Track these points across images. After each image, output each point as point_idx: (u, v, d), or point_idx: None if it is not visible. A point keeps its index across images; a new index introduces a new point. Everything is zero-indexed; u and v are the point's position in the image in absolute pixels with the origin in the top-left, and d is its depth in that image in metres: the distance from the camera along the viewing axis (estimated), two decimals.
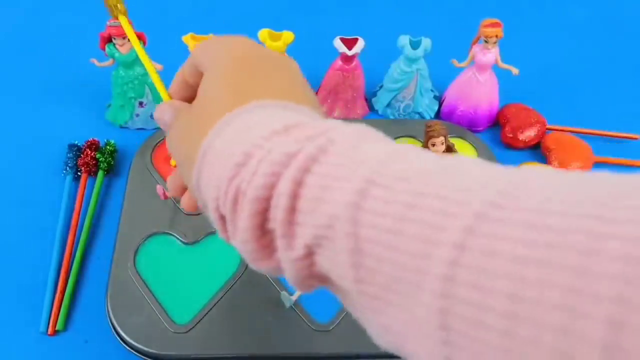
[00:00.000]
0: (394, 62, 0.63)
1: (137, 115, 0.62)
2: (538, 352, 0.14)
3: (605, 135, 0.64)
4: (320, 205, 0.20)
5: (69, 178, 0.57)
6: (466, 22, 0.66)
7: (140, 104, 0.61)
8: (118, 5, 0.36)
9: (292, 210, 0.21)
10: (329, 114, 0.65)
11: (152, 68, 0.34)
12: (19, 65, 0.70)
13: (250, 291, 0.48)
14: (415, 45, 0.60)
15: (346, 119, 0.65)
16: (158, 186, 0.53)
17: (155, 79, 0.33)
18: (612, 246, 0.13)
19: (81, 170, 0.57)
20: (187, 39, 0.58)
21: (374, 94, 0.67)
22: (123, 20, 0.37)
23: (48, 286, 0.49)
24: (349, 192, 0.19)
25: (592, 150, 0.62)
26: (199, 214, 0.53)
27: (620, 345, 0.12)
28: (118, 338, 0.45)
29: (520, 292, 0.14)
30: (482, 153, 0.60)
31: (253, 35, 0.54)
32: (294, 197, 0.20)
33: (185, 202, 0.33)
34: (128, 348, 0.44)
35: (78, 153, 0.58)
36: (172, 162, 0.44)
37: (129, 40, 0.57)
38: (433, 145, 0.56)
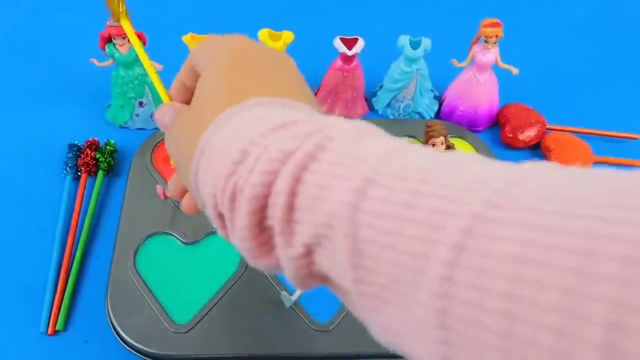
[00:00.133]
0: (394, 62, 0.63)
1: (137, 115, 0.62)
2: (536, 352, 0.14)
3: (605, 135, 0.64)
4: (319, 204, 0.20)
5: (69, 178, 0.57)
6: (466, 22, 0.66)
7: (140, 104, 0.62)
8: (120, 8, 0.36)
9: (290, 208, 0.20)
10: (329, 114, 0.65)
11: (152, 70, 0.34)
12: (19, 65, 0.70)
13: (250, 291, 0.48)
14: (415, 45, 0.60)
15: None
16: (158, 186, 0.53)
17: (155, 80, 0.33)
18: (612, 247, 0.13)
19: (81, 170, 0.57)
20: (187, 39, 0.58)
21: (374, 94, 0.67)
22: (125, 23, 0.37)
23: (48, 286, 0.49)
24: (347, 191, 0.19)
25: (592, 150, 0.62)
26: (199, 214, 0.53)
27: (618, 347, 0.12)
28: (118, 338, 0.45)
29: (518, 292, 0.14)
30: (482, 153, 0.59)
31: (253, 35, 0.54)
32: (292, 195, 0.20)
33: (186, 205, 0.33)
34: (128, 348, 0.44)
35: (78, 153, 0.58)
36: (173, 163, 0.44)
37: (129, 40, 0.57)
38: (433, 145, 0.56)
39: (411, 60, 0.61)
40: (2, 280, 0.50)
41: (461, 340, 0.16)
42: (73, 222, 0.53)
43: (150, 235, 0.51)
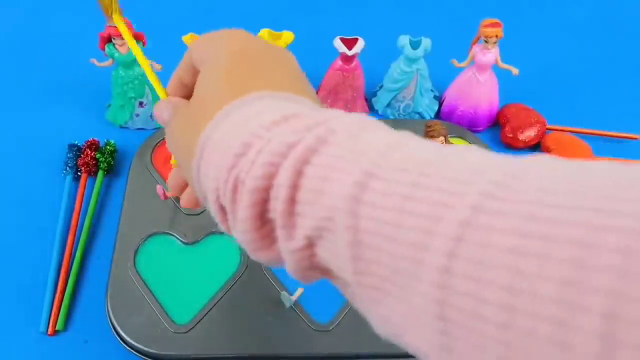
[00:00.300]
0: (394, 62, 0.63)
1: (137, 115, 0.62)
2: (535, 343, 0.14)
3: (605, 135, 0.65)
4: (320, 197, 0.20)
5: (69, 178, 0.57)
6: (466, 22, 0.66)
7: (140, 104, 0.61)
8: (112, 4, 0.36)
9: (291, 201, 0.21)
10: None
11: (147, 66, 0.34)
12: (19, 65, 0.70)
13: (250, 291, 0.48)
14: (415, 45, 0.60)
15: None
16: (158, 186, 0.53)
17: (151, 77, 0.33)
18: (611, 239, 0.13)
19: (81, 170, 0.57)
20: (187, 39, 0.58)
21: (374, 94, 0.67)
22: (117, 20, 0.37)
23: (48, 286, 0.49)
24: (348, 184, 0.19)
25: (592, 150, 0.62)
26: (199, 214, 0.53)
27: (616, 338, 0.12)
28: (118, 338, 0.45)
29: (516, 284, 0.14)
30: None
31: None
32: (294, 188, 0.20)
33: (185, 199, 0.33)
34: (128, 348, 0.44)
35: (78, 153, 0.58)
36: (173, 162, 0.44)
37: None
38: None
39: (411, 60, 0.61)
40: (2, 280, 0.50)
41: (460, 331, 0.16)
42: (73, 222, 0.53)
43: (150, 235, 0.51)
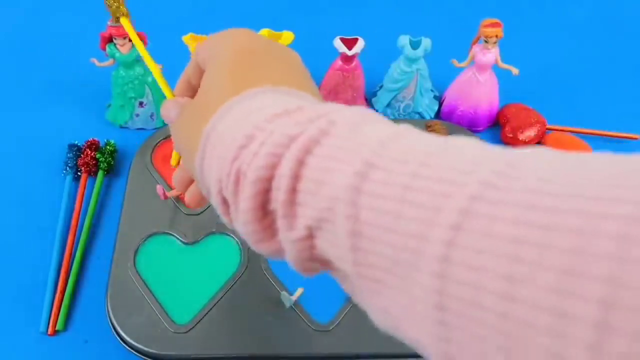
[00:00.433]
0: (394, 62, 0.63)
1: (137, 115, 0.62)
2: (534, 332, 0.14)
3: (605, 135, 0.65)
4: (322, 188, 0.20)
5: (69, 178, 0.57)
6: (466, 22, 0.66)
7: (141, 104, 0.61)
8: (120, 7, 0.36)
9: (293, 190, 0.21)
10: None
11: (155, 68, 0.35)
12: (19, 65, 0.70)
13: (250, 291, 0.48)
14: (415, 45, 0.60)
15: None
16: (158, 186, 0.53)
17: (158, 77, 0.33)
18: (609, 226, 0.13)
19: (81, 170, 0.57)
20: (187, 39, 0.58)
21: (374, 94, 0.67)
22: (125, 22, 0.37)
23: (48, 286, 0.49)
24: (349, 174, 0.19)
25: (592, 150, 0.62)
26: (199, 214, 0.53)
27: (612, 326, 0.12)
28: (118, 338, 0.45)
29: (515, 273, 0.14)
30: None
31: None
32: (296, 178, 0.21)
33: (190, 195, 0.33)
34: (128, 348, 0.44)
35: (78, 153, 0.58)
36: (172, 162, 0.44)
37: (129, 40, 0.57)
38: None
39: (411, 60, 0.61)
40: (2, 280, 0.50)
41: (459, 321, 0.16)
42: (73, 222, 0.53)
43: (150, 235, 0.51)
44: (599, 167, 0.15)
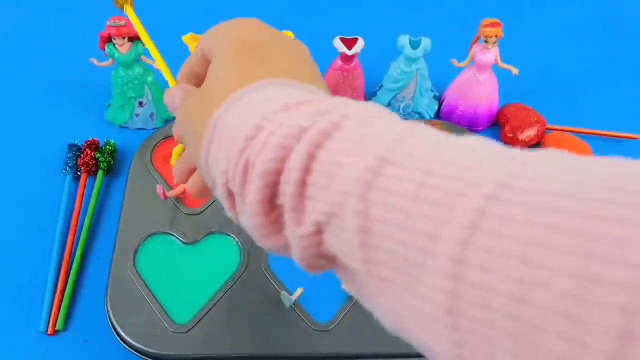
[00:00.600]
0: (394, 62, 0.63)
1: (137, 115, 0.62)
2: (548, 338, 0.13)
3: (605, 135, 0.64)
4: (333, 181, 0.19)
5: (69, 178, 0.57)
6: (466, 22, 0.66)
7: (140, 104, 0.61)
8: None
9: (303, 184, 0.20)
10: None
11: (158, 55, 0.34)
12: (19, 65, 0.70)
13: (250, 291, 0.48)
14: (415, 45, 0.60)
15: None
16: (158, 186, 0.53)
17: (161, 65, 0.33)
18: (626, 232, 0.13)
19: (81, 170, 0.57)
20: (187, 39, 0.58)
21: (374, 94, 0.67)
22: (129, 11, 0.37)
23: (48, 286, 0.49)
24: (361, 169, 0.19)
25: (592, 150, 0.62)
26: (199, 214, 0.53)
27: (635, 333, 0.12)
28: (118, 338, 0.45)
29: (531, 276, 0.14)
30: None
31: None
32: (306, 171, 0.20)
33: (191, 185, 0.33)
34: (128, 348, 0.44)
35: (78, 153, 0.58)
36: (172, 162, 0.45)
37: (129, 40, 0.57)
38: None
39: (411, 60, 0.61)
40: (2, 280, 0.50)
41: (471, 324, 0.15)
42: (73, 222, 0.53)
43: (150, 235, 0.51)
44: (614, 170, 0.15)
